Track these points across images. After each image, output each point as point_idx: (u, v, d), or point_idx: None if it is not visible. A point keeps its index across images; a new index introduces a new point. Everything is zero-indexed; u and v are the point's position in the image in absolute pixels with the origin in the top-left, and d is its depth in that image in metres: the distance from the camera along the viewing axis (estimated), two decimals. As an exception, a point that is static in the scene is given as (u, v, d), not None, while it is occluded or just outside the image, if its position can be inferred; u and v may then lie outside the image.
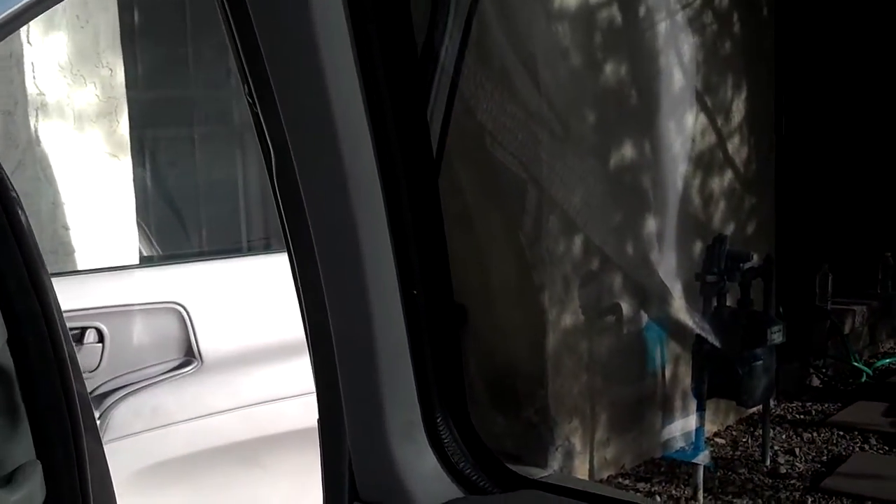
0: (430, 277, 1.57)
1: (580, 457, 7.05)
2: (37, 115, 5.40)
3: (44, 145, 5.41)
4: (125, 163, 5.75)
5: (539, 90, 6.56)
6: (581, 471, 7.04)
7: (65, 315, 2.52)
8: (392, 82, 1.48)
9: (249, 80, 1.59)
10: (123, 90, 5.77)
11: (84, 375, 3.67)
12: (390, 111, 1.47)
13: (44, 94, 5.40)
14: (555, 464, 6.84)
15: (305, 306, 1.71)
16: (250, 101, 1.61)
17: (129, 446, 3.69)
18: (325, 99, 1.42)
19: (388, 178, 1.49)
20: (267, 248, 8.33)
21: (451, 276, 1.60)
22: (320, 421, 1.78)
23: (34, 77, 5.40)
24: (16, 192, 2.42)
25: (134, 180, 5.86)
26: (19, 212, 2.40)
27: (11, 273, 2.35)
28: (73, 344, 3.55)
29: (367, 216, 1.49)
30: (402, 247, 1.52)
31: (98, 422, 3.62)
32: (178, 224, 8.10)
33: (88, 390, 3.69)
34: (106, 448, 3.31)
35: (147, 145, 7.60)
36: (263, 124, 1.62)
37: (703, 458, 6.74)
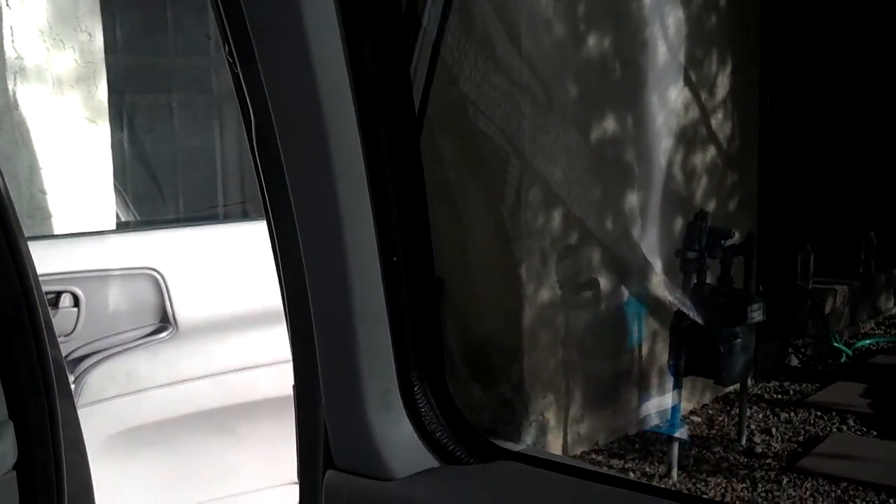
0: (411, 244, 1.55)
1: (554, 432, 7.05)
2: (15, 79, 5.37)
3: (22, 109, 5.38)
4: (103, 128, 5.72)
5: (522, 61, 6.54)
6: (555, 446, 7.05)
7: (41, 279, 2.50)
8: (376, 48, 1.47)
9: (230, 40, 1.57)
10: (102, 55, 5.75)
11: (59, 340, 3.64)
12: (373, 77, 1.45)
13: (22, 59, 5.36)
14: (528, 439, 6.85)
15: (283, 272, 1.70)
16: (230, 60, 1.59)
17: (103, 411, 3.68)
18: (308, 63, 1.41)
19: (370, 144, 1.47)
20: (244, 216, 8.31)
21: (431, 244, 1.58)
22: (296, 387, 1.76)
23: (13, 41, 5.37)
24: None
25: (112, 146, 5.83)
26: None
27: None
28: (49, 308, 3.54)
29: (348, 182, 1.47)
30: (383, 213, 1.50)
31: (72, 386, 3.60)
32: (155, 190, 8.08)
33: (63, 354, 3.67)
34: (80, 412, 3.29)
35: (125, 111, 7.57)
36: (244, 87, 1.60)
37: (678, 433, 6.75)
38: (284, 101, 1.50)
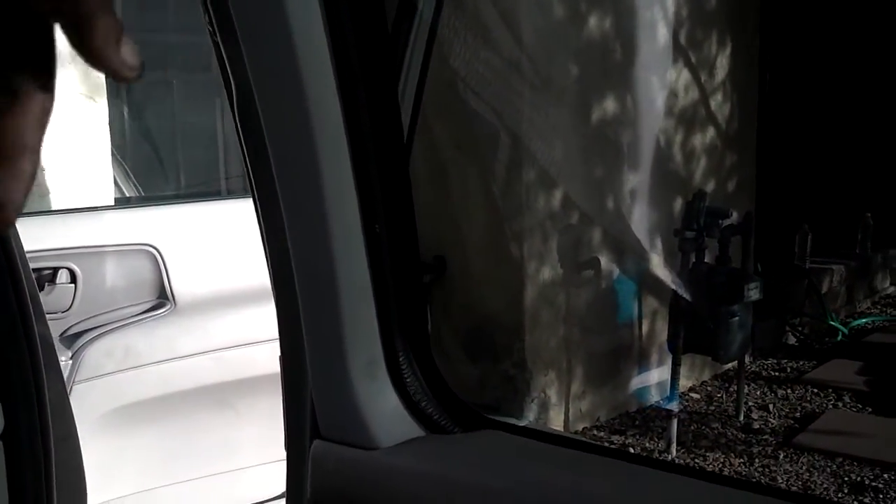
0: (393, 214, 1.56)
1: (556, 409, 7.08)
2: (13, 57, 5.36)
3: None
4: (101, 105, 5.72)
5: (518, 40, 6.54)
6: (556, 423, 7.08)
7: (38, 255, 2.52)
8: (356, 17, 1.47)
9: (210, 9, 1.58)
10: (101, 32, 5.74)
11: (56, 316, 3.67)
12: (353, 44, 1.46)
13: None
14: (531, 416, 6.87)
15: (268, 244, 1.71)
16: (210, 30, 1.60)
17: (101, 387, 3.69)
18: (287, 29, 1.41)
19: (351, 114, 1.48)
20: (243, 192, 8.31)
21: (414, 216, 1.59)
22: (282, 359, 1.78)
23: (11, 18, 5.35)
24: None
25: (110, 122, 5.83)
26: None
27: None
28: (43, 284, 3.56)
29: (329, 151, 1.48)
30: (365, 183, 1.51)
31: (70, 362, 3.62)
32: (154, 166, 8.08)
33: (61, 331, 3.69)
34: (78, 388, 3.33)
35: (123, 88, 7.57)
36: (224, 55, 1.61)
37: (677, 410, 6.78)
38: (264, 71, 1.49)
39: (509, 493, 1.48)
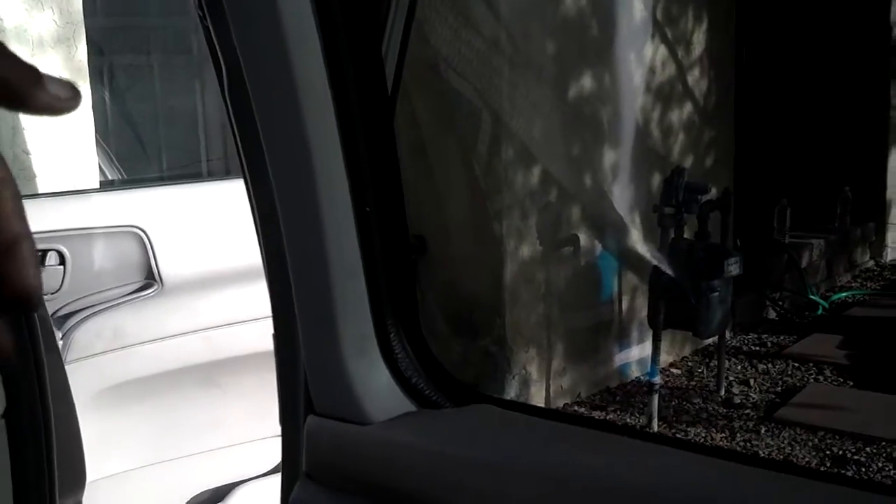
0: (383, 194, 1.58)
1: (537, 385, 7.11)
2: (-6, 41, 5.37)
3: (3, 70, 5.37)
4: (83, 89, 5.73)
5: (495, 17, 6.55)
6: (537, 399, 7.11)
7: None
8: (346, 4, 1.49)
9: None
10: (81, 16, 5.74)
11: (46, 297, 3.70)
12: (343, 27, 1.48)
13: (1, 20, 5.37)
14: (512, 392, 6.90)
15: (260, 224, 1.74)
16: (201, 14, 1.61)
17: (91, 367, 3.71)
18: (277, 12, 1.43)
19: (341, 94, 1.50)
20: (226, 174, 8.33)
21: (403, 193, 1.62)
22: (275, 336, 1.81)
23: (-8, 3, 5.37)
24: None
25: (93, 106, 5.84)
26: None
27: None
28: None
29: (319, 132, 1.49)
30: (355, 163, 1.53)
31: (60, 343, 3.64)
32: (137, 149, 8.08)
33: (51, 312, 3.72)
34: (68, 368, 3.35)
35: (105, 71, 7.57)
36: (214, 38, 1.63)
37: (658, 385, 6.81)
38: (254, 53, 1.51)
39: (501, 467, 1.50)
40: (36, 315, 2.45)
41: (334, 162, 1.52)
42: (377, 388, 1.64)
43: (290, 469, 1.82)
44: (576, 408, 7.24)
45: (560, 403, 7.23)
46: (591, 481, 1.43)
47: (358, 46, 1.52)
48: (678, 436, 6.55)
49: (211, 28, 1.61)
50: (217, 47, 1.63)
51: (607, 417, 7.04)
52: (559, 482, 1.44)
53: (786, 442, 6.34)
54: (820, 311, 9.05)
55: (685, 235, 6.88)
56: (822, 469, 5.88)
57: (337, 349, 1.61)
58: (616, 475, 1.43)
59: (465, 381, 1.72)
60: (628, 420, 6.97)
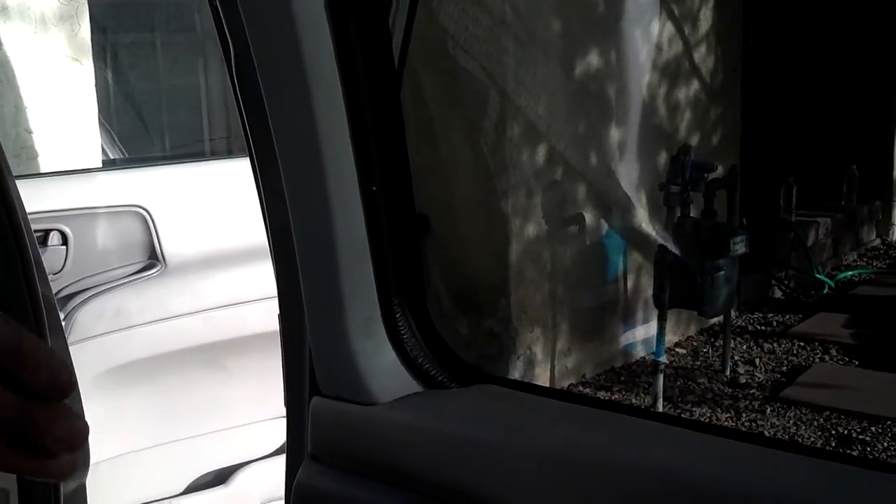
0: (390, 174, 1.58)
1: (542, 365, 7.11)
2: (-2, 19, 5.37)
3: (5, 49, 5.37)
4: (87, 67, 5.72)
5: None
6: (542, 379, 7.10)
7: (29, 217, 2.52)
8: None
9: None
10: (84, -7, 5.74)
11: (49, 277, 3.68)
12: (351, 8, 1.47)
13: (5, -3, 5.36)
14: (517, 373, 6.89)
15: (266, 204, 1.73)
16: (209, -5, 1.61)
17: (94, 348, 3.70)
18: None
19: (349, 76, 1.49)
20: (228, 153, 8.33)
21: (410, 173, 1.61)
22: (281, 317, 1.80)
23: (-6, -19, 5.36)
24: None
25: (96, 84, 5.82)
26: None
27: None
28: (38, 245, 3.56)
29: (327, 113, 1.49)
30: (362, 144, 1.52)
31: (63, 323, 3.63)
32: (141, 128, 8.08)
33: (53, 292, 3.70)
34: (70, 349, 3.33)
35: (108, 49, 7.56)
36: (223, 19, 1.62)
37: (663, 365, 6.80)
38: (263, 34, 1.51)
39: (506, 446, 1.50)
40: (41, 293, 2.44)
41: (342, 142, 1.51)
42: (383, 368, 1.64)
43: (295, 450, 1.81)
44: (581, 388, 7.24)
45: (565, 384, 7.22)
46: (596, 460, 1.43)
47: (366, 24, 1.51)
48: (683, 416, 6.54)
49: (219, 7, 1.61)
50: (225, 27, 1.63)
51: (613, 397, 7.04)
52: (564, 461, 1.45)
53: (791, 422, 6.33)
54: (826, 290, 9.04)
55: (691, 214, 6.86)
56: (826, 448, 5.88)
57: (343, 330, 1.61)
58: (621, 454, 1.43)
59: (468, 362, 1.71)
60: (633, 400, 6.96)
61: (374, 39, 1.54)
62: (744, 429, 6.28)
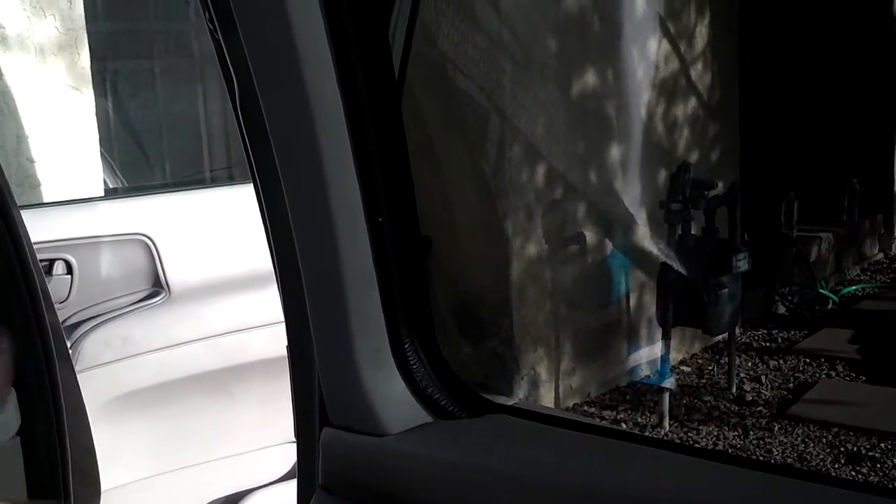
0: (395, 204, 1.57)
1: (546, 385, 7.10)
2: (-2, 49, 5.38)
3: (6, 78, 5.38)
4: (87, 95, 5.72)
5: (501, 17, 6.54)
6: (547, 400, 7.09)
7: (34, 247, 2.53)
8: (355, 9, 1.48)
9: (210, 6, 1.59)
10: (83, 22, 5.73)
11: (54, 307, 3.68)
12: (353, 39, 1.47)
13: (3, 27, 5.36)
14: (520, 393, 6.89)
15: (272, 235, 1.72)
16: (211, 27, 1.61)
17: (100, 376, 3.70)
18: (288, 26, 1.42)
19: (352, 104, 1.49)
20: (230, 180, 8.34)
21: (416, 203, 1.61)
22: (289, 349, 1.79)
23: (-6, 11, 5.36)
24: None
25: (97, 113, 5.83)
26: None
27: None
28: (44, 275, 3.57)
29: (331, 144, 1.49)
30: (367, 174, 1.52)
31: (69, 352, 3.63)
32: (141, 156, 8.08)
33: (59, 321, 3.70)
34: (77, 378, 3.33)
35: (108, 78, 7.57)
36: (225, 51, 1.62)
37: (668, 384, 6.79)
38: (265, 65, 1.51)
39: (518, 478, 1.50)
40: (48, 325, 2.45)
41: (346, 171, 1.51)
42: (392, 399, 1.63)
43: (306, 482, 1.81)
44: (585, 408, 7.22)
45: (570, 403, 7.21)
46: (610, 492, 1.42)
47: (368, 51, 1.51)
48: (689, 435, 6.53)
49: (221, 40, 1.61)
50: (228, 59, 1.63)
51: (618, 417, 7.02)
52: (577, 493, 1.44)
53: (799, 439, 6.31)
54: (830, 306, 9.03)
55: (692, 231, 6.86)
56: (835, 469, 5.86)
57: (351, 360, 1.60)
58: (635, 486, 1.42)
59: (473, 382, 1.71)
60: (639, 419, 6.95)
61: (376, 67, 1.54)
62: (751, 447, 6.27)
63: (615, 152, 7.30)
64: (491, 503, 1.50)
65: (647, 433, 6.60)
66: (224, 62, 1.64)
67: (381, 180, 1.54)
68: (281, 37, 1.44)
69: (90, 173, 5.63)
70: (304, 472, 1.84)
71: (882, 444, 6.10)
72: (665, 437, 6.50)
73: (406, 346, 1.63)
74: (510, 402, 1.79)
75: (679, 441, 6.46)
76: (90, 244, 3.88)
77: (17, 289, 2.38)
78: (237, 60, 1.60)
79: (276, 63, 1.48)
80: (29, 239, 2.47)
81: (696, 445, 6.37)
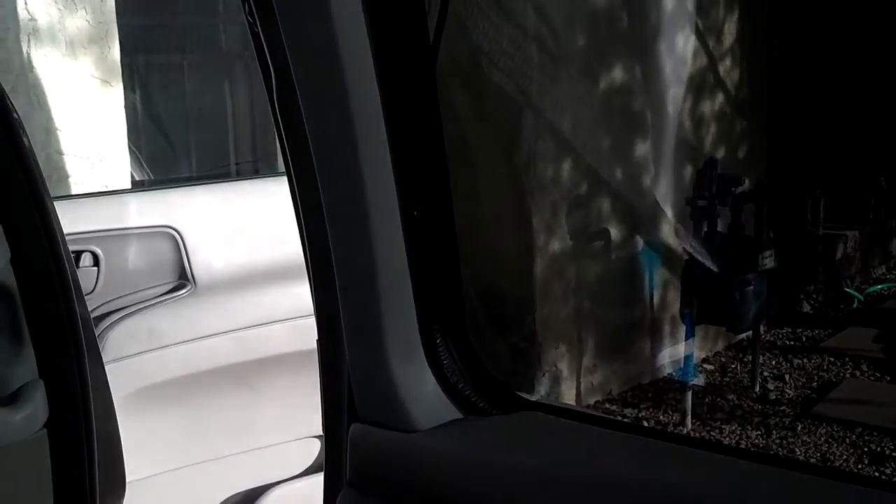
0: (431, 199, 1.57)
1: (567, 382, 7.08)
2: (29, 41, 5.38)
3: (37, 71, 5.39)
4: (117, 89, 5.73)
5: (533, 13, 6.53)
6: (568, 397, 7.08)
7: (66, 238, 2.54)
8: (395, 10, 1.48)
9: (251, 0, 1.59)
10: (114, 16, 5.74)
11: (81, 299, 3.69)
12: (393, 32, 1.47)
13: (36, 20, 5.37)
14: (542, 390, 6.87)
15: (306, 229, 1.72)
16: (250, 20, 1.60)
17: (126, 368, 3.70)
18: (330, 24, 1.42)
19: (390, 99, 1.49)
20: (255, 173, 8.35)
21: (451, 198, 1.60)
22: (320, 342, 1.79)
23: (26, 3, 5.37)
24: (17, 114, 2.43)
25: (125, 106, 5.84)
26: (21, 134, 2.41)
27: (14, 194, 2.37)
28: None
29: (368, 137, 1.49)
30: (403, 169, 1.52)
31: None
32: (169, 149, 8.09)
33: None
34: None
35: (138, 71, 7.58)
36: (264, 44, 1.62)
37: (691, 381, 6.77)
38: (304, 58, 1.51)
39: (547, 474, 1.49)
40: (79, 317, 2.45)
41: (382, 166, 1.51)
42: (423, 394, 1.63)
43: (334, 477, 1.80)
44: (607, 405, 7.21)
45: (591, 400, 7.19)
46: (641, 489, 1.42)
47: (407, 48, 1.50)
48: (712, 433, 6.51)
49: (261, 33, 1.60)
50: (266, 52, 1.62)
51: (640, 415, 7.00)
52: (608, 490, 1.43)
53: (823, 439, 6.28)
54: (855, 304, 8.98)
55: (718, 228, 6.83)
56: (858, 469, 5.83)
57: (383, 356, 1.60)
58: (666, 482, 1.42)
59: (511, 388, 1.70)
60: (661, 417, 6.93)
61: (415, 61, 1.54)
62: (774, 446, 6.24)
63: (642, 148, 7.28)
64: (521, 500, 1.49)
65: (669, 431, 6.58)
66: (262, 56, 1.64)
67: (417, 175, 1.54)
68: (323, 35, 1.44)
69: (118, 166, 5.65)
70: (331, 467, 1.83)
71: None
72: (696, 436, 6.48)
73: (437, 342, 1.62)
74: (535, 397, 1.78)
75: (709, 439, 6.43)
76: (117, 236, 3.89)
77: (48, 280, 2.39)
78: (276, 54, 1.59)
79: (317, 60, 1.48)
80: (61, 228, 2.48)
81: (719, 443, 6.35)
